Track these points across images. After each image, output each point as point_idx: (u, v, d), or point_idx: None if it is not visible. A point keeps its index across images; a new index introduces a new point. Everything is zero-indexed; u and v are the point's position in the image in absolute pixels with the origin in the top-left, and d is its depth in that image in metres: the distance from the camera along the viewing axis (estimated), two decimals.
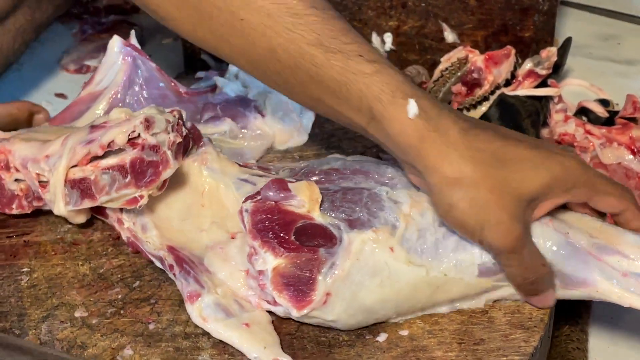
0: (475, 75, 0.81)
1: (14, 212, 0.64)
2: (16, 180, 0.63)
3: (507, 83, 0.82)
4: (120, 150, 0.59)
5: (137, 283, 0.61)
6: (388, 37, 0.90)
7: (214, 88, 0.76)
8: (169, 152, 0.59)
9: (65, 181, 0.60)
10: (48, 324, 0.57)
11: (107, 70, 0.71)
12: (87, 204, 0.60)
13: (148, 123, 0.59)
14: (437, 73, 0.84)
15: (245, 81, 0.76)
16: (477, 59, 0.82)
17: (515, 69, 0.82)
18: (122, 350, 0.55)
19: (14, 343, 0.54)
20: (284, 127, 0.72)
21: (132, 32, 0.74)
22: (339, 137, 0.74)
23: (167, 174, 0.59)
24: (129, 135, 0.58)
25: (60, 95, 0.95)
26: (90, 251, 0.63)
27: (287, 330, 0.57)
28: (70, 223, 0.65)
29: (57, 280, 0.61)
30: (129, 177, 0.59)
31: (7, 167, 0.63)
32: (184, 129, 0.61)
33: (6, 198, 0.64)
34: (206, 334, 0.56)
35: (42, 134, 0.65)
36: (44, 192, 0.61)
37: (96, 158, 0.59)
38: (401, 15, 0.89)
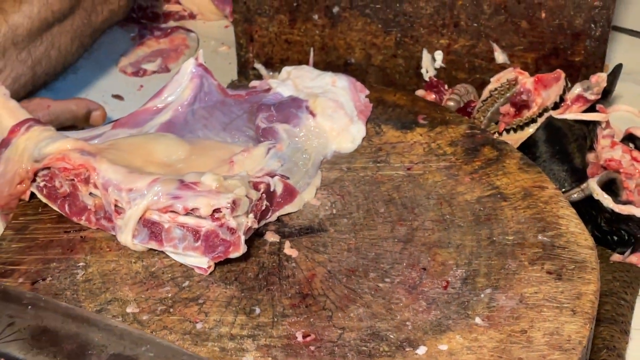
0: (524, 96, 0.82)
1: (81, 222, 0.67)
2: (91, 194, 0.66)
3: (556, 106, 0.83)
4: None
5: (187, 283, 0.63)
6: (439, 55, 0.92)
7: (267, 89, 0.79)
8: (242, 237, 0.62)
9: (140, 217, 0.63)
10: (115, 321, 0.59)
11: (176, 87, 0.75)
12: (153, 245, 0.64)
13: (235, 206, 0.62)
14: (486, 93, 0.85)
15: (296, 82, 0.79)
16: (526, 80, 0.83)
17: (564, 92, 0.83)
18: None
19: (83, 315, 0.57)
20: (333, 125, 0.75)
21: (201, 51, 0.78)
22: (386, 151, 0.75)
23: (233, 255, 0.62)
24: (212, 210, 0.61)
25: (117, 97, 0.98)
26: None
27: (329, 337, 0.58)
28: None
29: (110, 276, 0.63)
30: (199, 243, 0.62)
31: (86, 181, 0.65)
32: (264, 203, 0.65)
33: (77, 208, 0.67)
34: (251, 336, 0.58)
35: (126, 153, 0.67)
36: (117, 217, 0.64)
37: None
38: (453, 34, 0.90)
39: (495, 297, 0.61)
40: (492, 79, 0.85)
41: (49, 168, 0.67)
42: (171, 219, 0.62)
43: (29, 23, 0.83)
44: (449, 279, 0.62)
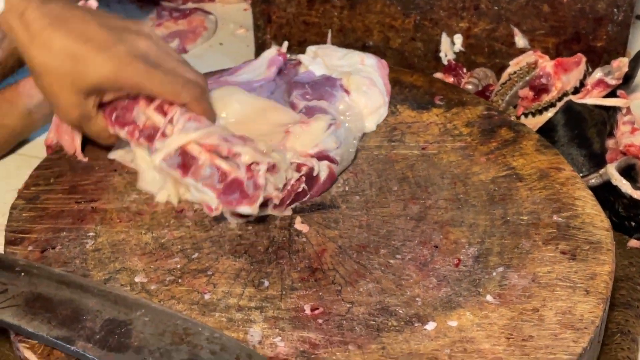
0: (543, 80, 0.81)
1: (121, 133, 0.67)
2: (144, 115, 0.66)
3: (576, 91, 0.81)
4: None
5: (196, 255, 0.62)
6: (458, 39, 0.91)
7: (297, 63, 0.79)
8: (260, 198, 0.62)
9: (181, 146, 0.63)
10: (109, 287, 0.59)
11: (253, 69, 0.78)
12: (176, 174, 0.63)
13: (272, 170, 0.63)
14: (505, 76, 0.84)
15: (324, 60, 0.79)
16: (546, 64, 0.82)
17: (584, 77, 0.82)
18: None
19: (77, 281, 0.57)
20: (368, 102, 0.74)
21: (285, 43, 0.81)
22: (401, 131, 0.74)
23: (242, 209, 0.62)
24: (252, 161, 0.62)
25: None
26: (153, 221, 0.65)
27: (338, 311, 0.58)
28: (137, 194, 0.68)
29: (120, 246, 0.63)
30: (221, 185, 0.62)
31: (149, 100, 0.66)
32: (302, 185, 0.65)
33: (124, 120, 0.67)
34: (259, 308, 0.58)
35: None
36: (159, 138, 0.64)
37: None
38: (473, 17, 0.89)
39: (507, 275, 0.60)
40: (511, 62, 0.84)
41: None
42: (209, 158, 0.62)
43: None
44: (461, 257, 0.61)
